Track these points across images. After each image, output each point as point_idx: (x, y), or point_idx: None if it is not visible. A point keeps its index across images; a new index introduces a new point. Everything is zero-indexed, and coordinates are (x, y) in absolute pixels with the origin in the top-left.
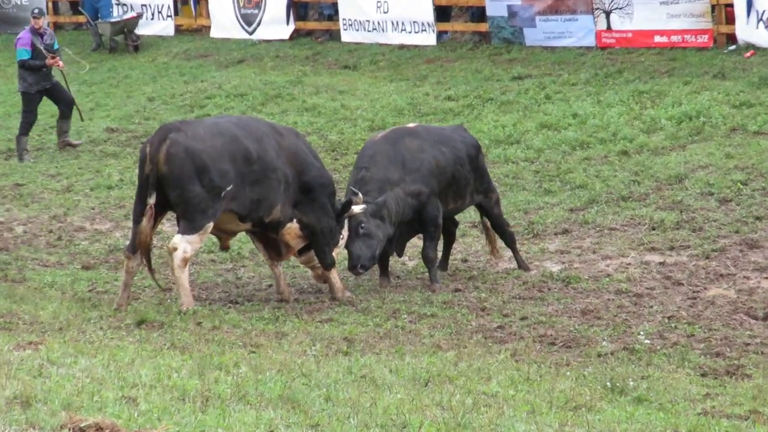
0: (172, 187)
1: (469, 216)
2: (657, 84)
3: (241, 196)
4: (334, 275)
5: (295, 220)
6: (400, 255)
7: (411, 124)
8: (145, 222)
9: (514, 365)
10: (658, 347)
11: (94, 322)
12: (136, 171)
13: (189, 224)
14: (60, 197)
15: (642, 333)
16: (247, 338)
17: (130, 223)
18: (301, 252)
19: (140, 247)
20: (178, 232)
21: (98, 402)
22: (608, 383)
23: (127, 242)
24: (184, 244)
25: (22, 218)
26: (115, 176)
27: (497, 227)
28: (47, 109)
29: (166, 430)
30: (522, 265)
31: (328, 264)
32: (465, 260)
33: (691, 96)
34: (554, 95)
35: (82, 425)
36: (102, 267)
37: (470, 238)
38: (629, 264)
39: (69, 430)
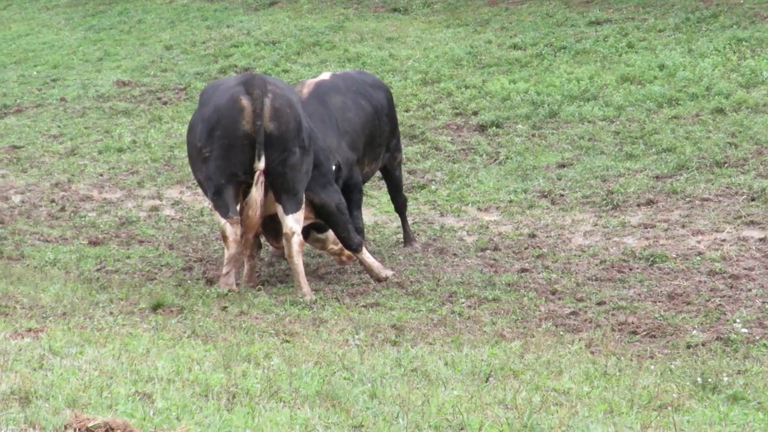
0: (277, 150)
1: (537, 184)
2: (758, 30)
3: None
4: (366, 255)
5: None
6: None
7: (325, 74)
8: (256, 192)
9: (590, 357)
10: (758, 337)
11: (102, 306)
12: (203, 133)
13: (294, 198)
14: (63, 161)
15: (738, 321)
16: (280, 325)
17: (142, 192)
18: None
19: (249, 227)
20: (287, 213)
21: (108, 398)
22: (699, 379)
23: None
24: (297, 226)
25: (20, 186)
26: (127, 137)
27: (394, 191)
28: (49, 59)
29: (187, 430)
30: (408, 238)
31: (356, 245)
32: (533, 235)
33: None
34: (638, 43)
35: (89, 425)
36: (112, 242)
37: (539, 209)
38: (724, 240)
39: (74, 430)
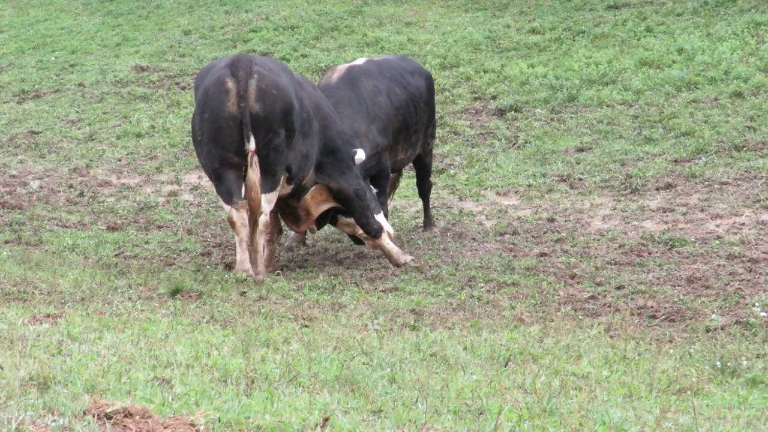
0: (261, 131)
1: (556, 169)
2: None
3: (297, 146)
4: (386, 241)
5: (316, 186)
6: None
7: (359, 60)
8: (252, 174)
9: (609, 342)
10: None
11: (121, 291)
12: (199, 113)
13: (271, 179)
14: (81, 147)
15: (758, 304)
16: (299, 310)
17: (161, 177)
18: (331, 220)
19: (254, 209)
20: (260, 192)
21: (126, 384)
22: (718, 363)
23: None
24: (267, 206)
25: (38, 171)
26: (145, 122)
27: (422, 175)
28: (68, 44)
29: (205, 415)
30: (429, 222)
31: (374, 230)
32: (551, 219)
33: None
34: (656, 27)
35: (108, 410)
36: (130, 228)
37: (557, 194)
38: (743, 224)
39: (93, 416)
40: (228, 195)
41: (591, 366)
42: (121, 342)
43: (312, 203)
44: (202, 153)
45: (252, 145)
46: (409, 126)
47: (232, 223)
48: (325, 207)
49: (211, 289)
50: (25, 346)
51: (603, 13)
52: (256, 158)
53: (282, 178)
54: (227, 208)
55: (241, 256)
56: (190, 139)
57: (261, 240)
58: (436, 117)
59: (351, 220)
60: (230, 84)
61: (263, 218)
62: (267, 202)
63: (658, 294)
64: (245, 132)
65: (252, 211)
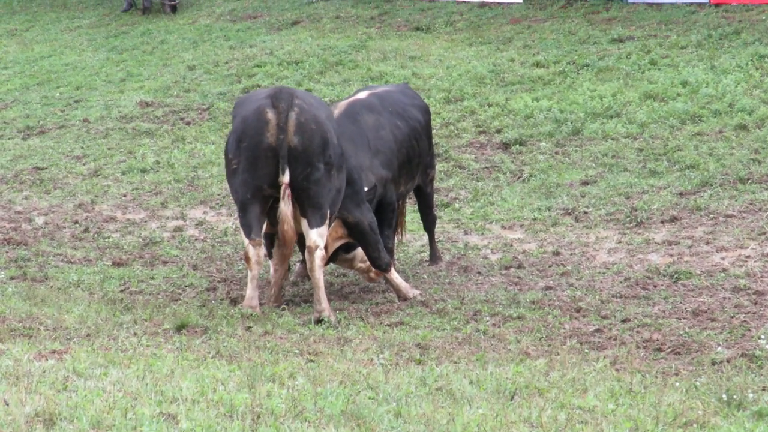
0: (300, 164)
1: (561, 202)
2: None
3: (333, 180)
4: (394, 275)
5: (335, 221)
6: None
7: (362, 93)
8: (285, 206)
9: (615, 375)
10: None
11: (127, 327)
12: (234, 143)
13: (318, 212)
14: (86, 182)
15: (763, 337)
16: (305, 345)
17: (166, 212)
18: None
19: (286, 242)
20: (311, 227)
21: (132, 420)
22: (724, 395)
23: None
24: (320, 240)
25: (44, 207)
26: (150, 158)
27: (425, 208)
28: (72, 80)
29: None
30: (435, 256)
31: (385, 264)
32: (557, 253)
33: None
34: (660, 60)
35: None
36: (135, 263)
37: (562, 227)
38: (748, 257)
39: None
40: (248, 228)
41: (597, 399)
42: (127, 377)
43: (330, 240)
44: (235, 181)
45: (286, 177)
46: (411, 159)
47: (247, 259)
48: (339, 243)
49: (217, 324)
50: (30, 382)
51: (607, 47)
52: (288, 191)
53: (328, 212)
54: (245, 242)
55: (251, 293)
56: (195, 174)
57: (320, 275)
58: (441, 150)
59: (350, 256)
60: (270, 115)
61: (319, 252)
62: (319, 236)
63: (663, 327)
64: (281, 164)
65: (285, 244)
